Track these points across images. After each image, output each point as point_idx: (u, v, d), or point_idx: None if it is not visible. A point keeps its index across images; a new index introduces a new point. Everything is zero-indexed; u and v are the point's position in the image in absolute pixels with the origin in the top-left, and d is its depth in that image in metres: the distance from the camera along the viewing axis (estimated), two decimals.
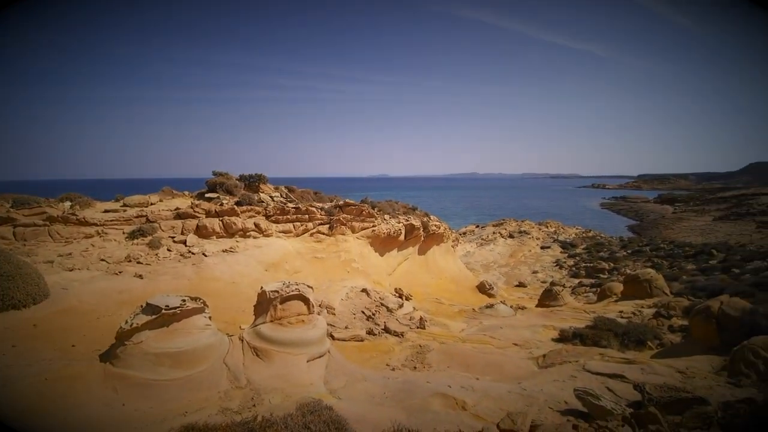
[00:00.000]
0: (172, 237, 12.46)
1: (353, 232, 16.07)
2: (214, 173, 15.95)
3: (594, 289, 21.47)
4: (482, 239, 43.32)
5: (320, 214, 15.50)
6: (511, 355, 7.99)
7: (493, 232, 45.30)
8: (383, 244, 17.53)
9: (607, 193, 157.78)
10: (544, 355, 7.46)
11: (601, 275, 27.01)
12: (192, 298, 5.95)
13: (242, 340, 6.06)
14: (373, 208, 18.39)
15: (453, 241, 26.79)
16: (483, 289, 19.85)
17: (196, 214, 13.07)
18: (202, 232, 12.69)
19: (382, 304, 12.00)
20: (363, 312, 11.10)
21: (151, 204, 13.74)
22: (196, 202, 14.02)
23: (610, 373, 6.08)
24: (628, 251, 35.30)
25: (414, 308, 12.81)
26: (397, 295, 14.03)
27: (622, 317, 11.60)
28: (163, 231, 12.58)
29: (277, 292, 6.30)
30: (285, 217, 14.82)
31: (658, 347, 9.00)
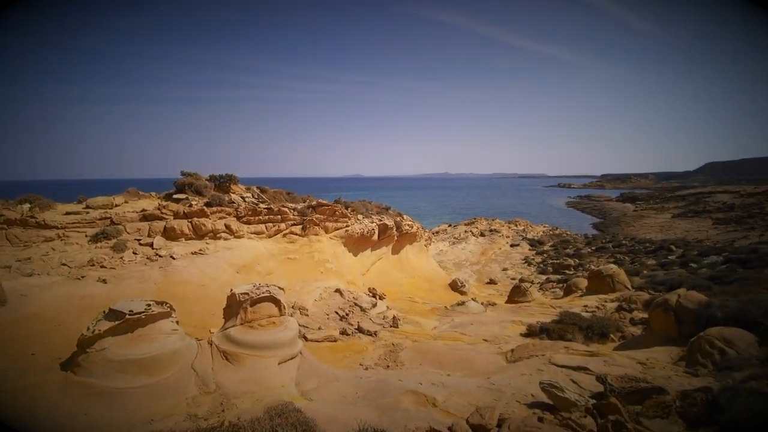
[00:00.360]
0: (138, 240, 12.01)
1: (327, 232, 15.95)
2: (183, 173, 15.50)
3: (561, 285, 22.10)
4: (454, 238, 43.88)
5: (293, 215, 15.30)
6: (481, 351, 8.13)
7: (465, 231, 45.97)
8: (357, 244, 17.48)
9: (573, 192, 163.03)
10: (512, 350, 7.62)
11: (567, 271, 27.84)
12: (158, 303, 5.75)
13: (211, 344, 5.91)
14: (346, 208, 18.31)
15: (426, 240, 27.03)
16: (455, 286, 20.10)
17: (164, 216, 12.65)
18: (169, 234, 12.29)
19: (355, 304, 11.96)
20: (336, 312, 11.04)
21: (116, 206, 13.20)
22: (164, 203, 13.57)
23: (575, 365, 6.27)
24: (593, 248, 36.56)
25: (387, 307, 12.83)
26: (370, 294, 14.02)
27: (586, 311, 11.99)
28: (128, 233, 12.11)
29: (247, 294, 6.18)
30: (257, 218, 14.55)
31: (620, 339, 9.35)
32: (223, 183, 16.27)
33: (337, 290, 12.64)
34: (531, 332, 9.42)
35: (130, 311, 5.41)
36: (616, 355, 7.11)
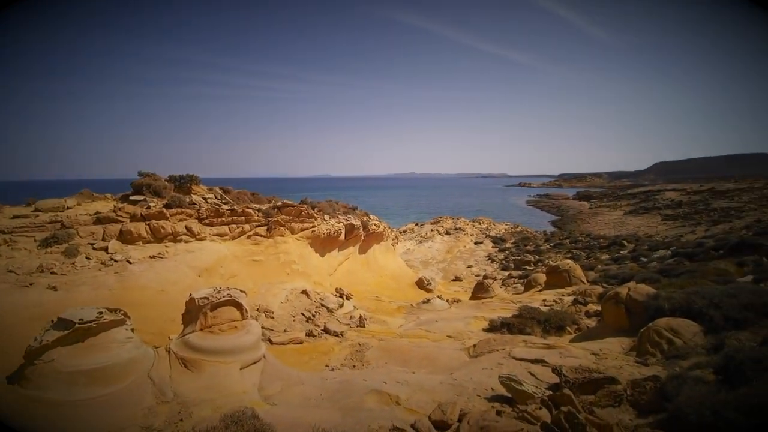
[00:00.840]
0: (92, 244, 11.36)
1: (293, 233, 15.69)
2: (140, 174, 14.81)
3: (522, 281, 22.76)
4: (421, 237, 44.34)
5: (257, 216, 14.95)
6: (445, 347, 8.23)
7: (431, 230, 46.55)
8: (324, 244, 17.31)
9: (532, 191, 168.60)
10: (474, 345, 7.76)
11: (528, 267, 28.73)
12: (110, 310, 5.45)
13: (169, 352, 5.66)
14: (312, 208, 18.09)
15: (393, 239, 27.15)
16: (422, 284, 20.30)
17: (120, 219, 12.03)
18: (126, 237, 11.70)
19: (322, 305, 11.83)
20: (303, 314, 10.88)
21: (68, 208, 12.44)
22: (120, 205, 12.91)
23: (533, 358, 6.45)
24: (551, 244, 37.92)
25: (354, 307, 12.78)
26: (337, 294, 13.92)
27: (545, 305, 12.41)
28: (81, 237, 11.43)
29: (207, 298, 5.97)
30: (219, 219, 14.11)
31: (576, 331, 9.72)
32: (184, 184, 15.68)
33: (304, 291, 12.46)
34: (493, 327, 9.65)
35: (80, 320, 5.10)
36: (571, 346, 7.37)
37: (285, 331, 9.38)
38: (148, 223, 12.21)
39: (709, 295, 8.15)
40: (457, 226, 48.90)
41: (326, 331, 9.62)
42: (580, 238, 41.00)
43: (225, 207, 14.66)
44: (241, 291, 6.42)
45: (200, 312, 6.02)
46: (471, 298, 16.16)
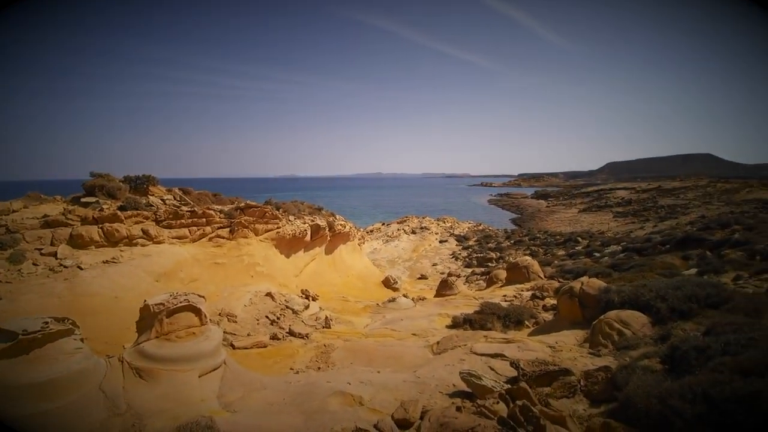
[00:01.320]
0: (39, 249, 10.63)
1: (256, 234, 15.32)
2: (92, 174, 14.00)
3: (484, 277, 23.31)
4: (388, 236, 44.49)
5: (219, 217, 14.48)
6: (410, 345, 8.28)
7: (398, 229, 46.79)
8: (289, 245, 17.01)
9: (494, 191, 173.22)
10: (438, 342, 7.85)
11: (490, 264, 29.45)
12: (57, 319, 5.10)
13: (122, 362, 5.37)
14: (277, 209, 17.74)
15: (359, 239, 27.07)
16: (388, 283, 20.36)
17: (70, 222, 11.32)
18: (77, 242, 11.02)
19: (287, 307, 11.62)
20: (267, 317, 10.63)
21: (13, 211, 11.60)
22: (70, 207, 12.15)
23: (493, 353, 6.60)
24: (512, 241, 39.06)
25: (320, 308, 12.63)
26: (303, 296, 13.71)
27: (505, 301, 12.74)
28: (27, 242, 10.68)
29: (163, 304, 5.70)
30: (179, 221, 13.55)
31: (534, 325, 10.03)
32: (140, 185, 14.98)
33: (268, 294, 12.19)
34: (455, 324, 9.81)
35: (23, 330, 4.75)
36: (529, 340, 7.60)
37: (248, 335, 9.13)
38: (101, 226, 11.56)
39: (656, 287, 8.53)
40: (423, 225, 49.43)
41: (291, 333, 9.45)
42: (538, 235, 42.45)
43: (185, 208, 14.11)
44: (200, 296, 6.18)
45: (155, 319, 5.74)
46: (435, 296, 16.36)
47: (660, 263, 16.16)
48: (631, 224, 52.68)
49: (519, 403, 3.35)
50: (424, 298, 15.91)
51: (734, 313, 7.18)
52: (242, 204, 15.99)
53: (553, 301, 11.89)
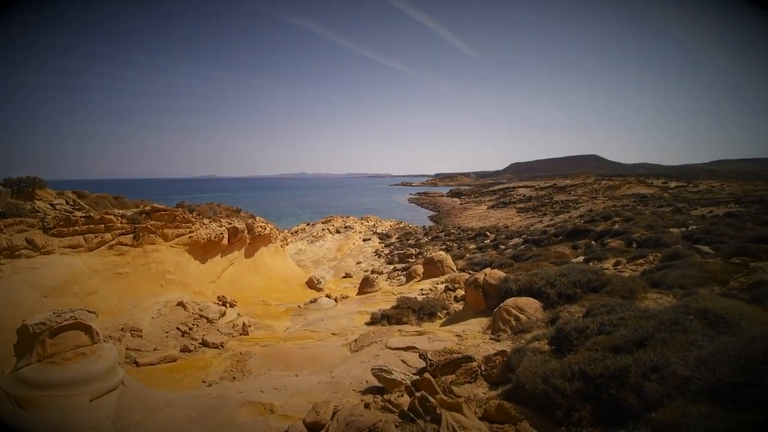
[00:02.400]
0: None
1: (166, 240, 14.05)
2: None
3: (405, 273, 23.93)
4: (312, 236, 43.72)
5: (121, 223, 13.03)
6: (329, 345, 8.19)
7: (322, 229, 46.22)
8: (204, 250, 15.88)
9: (413, 190, 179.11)
10: (355, 340, 7.87)
11: (410, 260, 30.33)
12: None
13: None
14: (190, 212, 16.45)
15: (282, 240, 26.21)
16: (312, 284, 20.00)
17: None
18: None
19: (201, 316, 10.82)
20: (178, 328, 9.80)
21: None
22: None
23: (405, 346, 6.78)
24: (429, 237, 40.70)
25: (239, 314, 11.97)
26: (220, 303, 12.88)
27: (422, 294, 13.19)
28: None
29: (44, 324, 4.97)
30: (72, 228, 11.94)
31: (446, 316, 10.50)
32: (24, 188, 12.94)
33: (180, 303, 11.24)
34: (374, 320, 9.92)
35: None
36: (439, 331, 7.93)
37: (155, 349, 8.32)
38: None
39: (547, 275, 9.30)
40: (347, 224, 49.40)
41: (204, 344, 8.80)
42: (452, 231, 44.71)
43: (79, 214, 12.47)
44: (90, 311, 5.50)
45: (36, 340, 4.98)
46: (357, 294, 16.43)
47: (553, 253, 17.87)
48: (531, 218, 57.66)
49: (418, 394, 3.45)
50: (346, 297, 15.88)
51: (612, 295, 7.99)
52: (148, 207, 14.55)
53: (463, 292, 12.55)
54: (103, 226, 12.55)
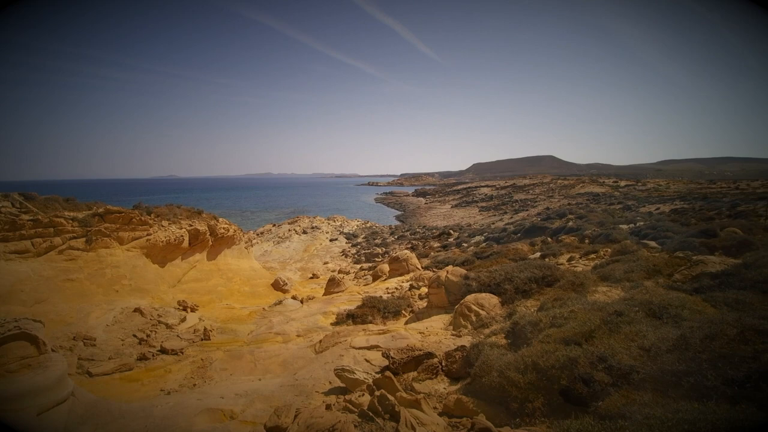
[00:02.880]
0: None
1: (121, 243, 13.33)
2: None
3: (371, 272, 23.91)
4: (279, 237, 42.82)
5: (72, 226, 12.24)
6: (293, 348, 8.07)
7: (289, 230, 45.36)
8: (163, 253, 15.19)
9: (380, 190, 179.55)
10: (320, 341, 7.79)
11: (377, 259, 30.40)
12: None
13: None
14: (148, 214, 15.68)
15: (246, 242, 25.52)
16: (278, 286, 19.60)
17: None
18: None
19: (160, 322, 10.36)
20: (135, 335, 9.33)
21: None
22: None
23: (369, 345, 6.80)
24: (395, 237, 40.92)
25: (200, 319, 11.56)
26: (180, 307, 12.39)
27: (387, 293, 13.24)
28: None
29: None
30: (18, 233, 11.11)
31: (410, 314, 10.59)
32: None
33: (137, 309, 10.71)
34: (339, 320, 9.86)
35: None
36: (402, 329, 8.00)
37: (110, 358, 7.89)
38: None
39: (505, 271, 9.63)
40: (314, 224, 48.74)
41: (163, 350, 8.42)
42: (417, 230, 45.19)
43: (26, 217, 11.61)
44: (37, 321, 5.13)
45: None
46: (324, 294, 16.27)
47: (512, 250, 18.38)
48: (492, 217, 59.25)
49: (378, 393, 3.48)
50: (312, 298, 15.68)
51: (564, 289, 8.41)
52: (101, 209, 13.74)
53: (427, 290, 12.68)
54: (52, 229, 11.76)
